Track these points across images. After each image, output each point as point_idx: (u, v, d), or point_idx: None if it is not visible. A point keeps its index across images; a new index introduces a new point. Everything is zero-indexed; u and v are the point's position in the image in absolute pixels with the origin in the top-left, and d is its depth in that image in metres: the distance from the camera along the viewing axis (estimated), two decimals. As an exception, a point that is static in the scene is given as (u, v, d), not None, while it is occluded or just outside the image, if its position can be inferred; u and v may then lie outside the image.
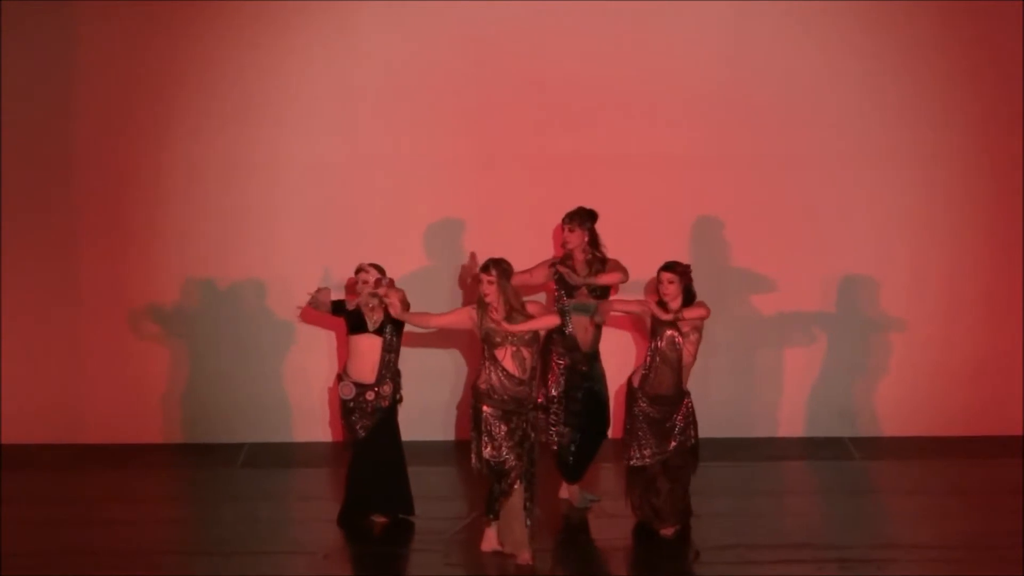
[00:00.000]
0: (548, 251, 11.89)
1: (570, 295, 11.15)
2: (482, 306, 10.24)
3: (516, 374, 10.22)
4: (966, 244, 12.71)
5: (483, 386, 10.26)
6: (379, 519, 10.98)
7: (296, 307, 11.90)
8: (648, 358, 10.62)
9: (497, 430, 10.25)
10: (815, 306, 12.72)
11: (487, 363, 10.25)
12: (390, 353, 10.83)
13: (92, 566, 10.24)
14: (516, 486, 10.25)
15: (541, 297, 11.59)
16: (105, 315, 12.57)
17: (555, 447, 11.28)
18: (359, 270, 10.79)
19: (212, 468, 12.27)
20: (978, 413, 12.85)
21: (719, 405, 12.58)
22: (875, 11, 12.43)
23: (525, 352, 10.23)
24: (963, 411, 12.86)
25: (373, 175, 12.53)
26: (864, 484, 12.09)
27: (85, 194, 12.46)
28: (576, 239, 11.15)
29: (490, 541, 10.42)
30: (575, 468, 11.35)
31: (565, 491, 11.42)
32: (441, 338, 12.41)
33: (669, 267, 10.55)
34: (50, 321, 12.57)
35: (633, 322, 12.19)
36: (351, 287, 11.03)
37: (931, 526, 10.99)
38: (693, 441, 10.71)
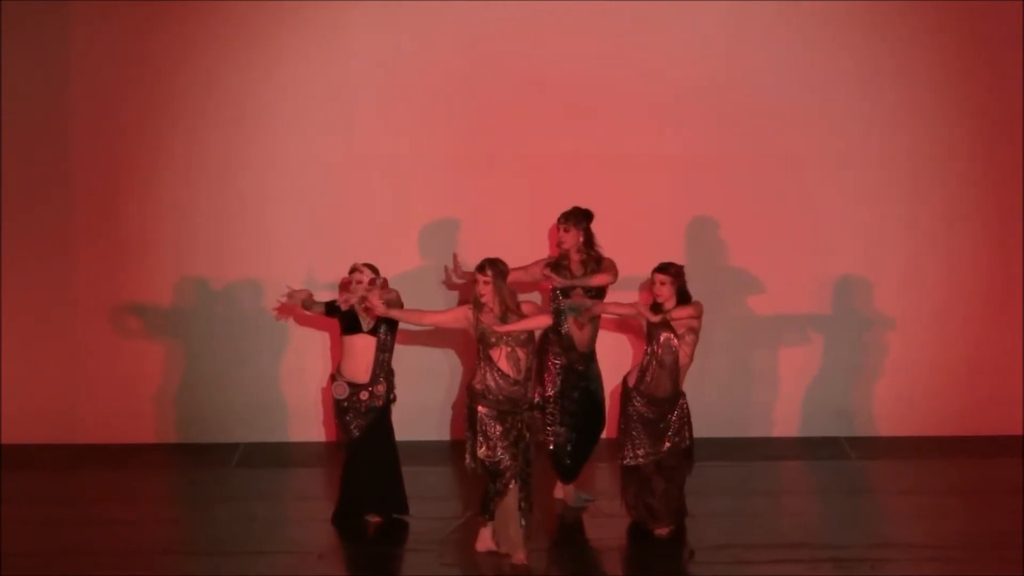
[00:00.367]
0: (544, 251, 11.87)
1: (565, 295, 11.14)
2: (478, 306, 10.23)
3: (511, 374, 10.20)
4: (962, 244, 12.71)
5: (478, 386, 10.24)
6: (373, 519, 10.97)
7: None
8: (645, 360, 10.61)
9: (492, 430, 10.23)
10: (811, 306, 12.71)
11: (482, 363, 10.23)
12: (384, 353, 10.82)
13: (90, 566, 10.23)
14: (511, 486, 10.23)
15: (536, 296, 11.59)
16: (101, 315, 12.58)
17: (551, 447, 11.28)
18: (353, 270, 10.77)
19: (207, 468, 12.27)
20: (974, 413, 12.84)
21: (715, 405, 12.59)
22: (872, 12, 12.42)
23: (520, 352, 10.22)
24: (959, 411, 12.85)
25: (369, 175, 12.53)
26: (860, 484, 12.07)
27: (81, 194, 12.46)
28: (571, 239, 11.13)
29: (485, 541, 10.41)
30: (571, 468, 11.35)
31: (560, 491, 11.41)
32: (436, 337, 12.41)
33: (662, 268, 10.53)
34: (47, 321, 12.57)
35: (626, 323, 12.13)
36: (345, 286, 11.02)
37: (927, 526, 10.97)
38: (687, 443, 10.69)
